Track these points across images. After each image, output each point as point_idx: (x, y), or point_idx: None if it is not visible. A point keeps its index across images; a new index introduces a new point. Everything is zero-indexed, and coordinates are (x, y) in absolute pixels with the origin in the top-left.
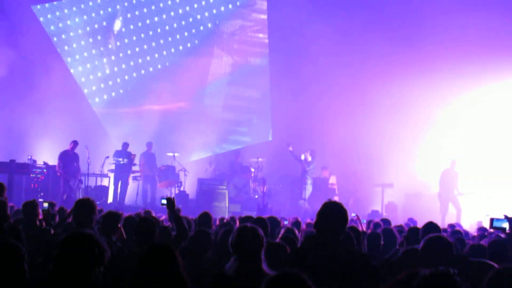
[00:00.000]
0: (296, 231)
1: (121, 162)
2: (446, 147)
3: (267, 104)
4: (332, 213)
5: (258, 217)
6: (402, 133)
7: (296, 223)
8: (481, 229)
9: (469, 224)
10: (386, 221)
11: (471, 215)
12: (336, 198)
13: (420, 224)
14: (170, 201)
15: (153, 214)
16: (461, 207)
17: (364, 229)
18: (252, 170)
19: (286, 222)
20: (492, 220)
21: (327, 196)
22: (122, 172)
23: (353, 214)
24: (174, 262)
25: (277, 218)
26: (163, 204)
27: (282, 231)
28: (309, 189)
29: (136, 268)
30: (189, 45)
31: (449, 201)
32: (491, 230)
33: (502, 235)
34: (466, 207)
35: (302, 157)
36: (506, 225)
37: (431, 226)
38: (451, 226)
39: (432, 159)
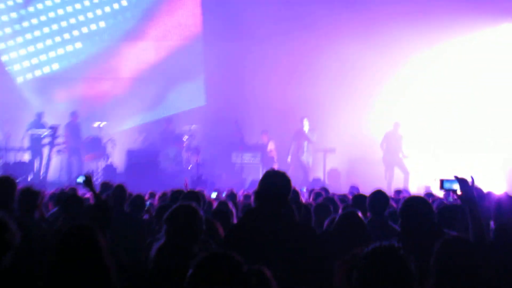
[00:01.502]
0: (231, 204)
1: (43, 135)
2: (392, 110)
3: (199, 66)
4: (275, 182)
5: (190, 191)
6: (346, 96)
7: (231, 196)
8: (428, 195)
9: (417, 188)
10: (326, 190)
11: (419, 179)
12: (275, 166)
13: (363, 191)
14: (87, 179)
15: (79, 192)
16: (409, 170)
17: (306, 198)
18: (185, 138)
19: (223, 195)
20: (442, 181)
21: (266, 164)
22: (42, 145)
23: None
24: (95, 245)
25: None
26: (78, 183)
27: (216, 203)
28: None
29: (54, 251)
30: (115, 6)
31: (394, 165)
32: (442, 191)
33: (450, 199)
34: (413, 171)
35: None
36: (456, 186)
37: (378, 196)
38: (398, 192)
39: (378, 122)
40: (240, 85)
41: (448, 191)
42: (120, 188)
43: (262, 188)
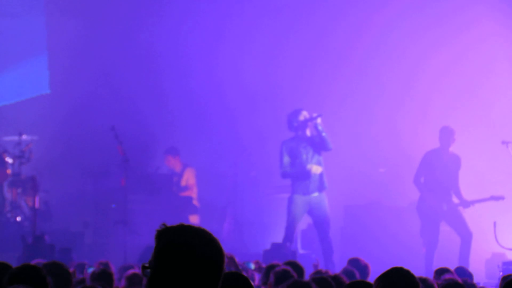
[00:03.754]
0: None
1: None
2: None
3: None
4: (188, 254)
5: (25, 266)
6: (339, 86)
7: (103, 276)
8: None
9: (485, 262)
10: (298, 268)
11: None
12: (194, 219)
13: (375, 270)
14: None
15: None
16: (471, 230)
17: (257, 283)
18: (9, 161)
19: (90, 270)
20: None
21: (178, 212)
22: None
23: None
24: None
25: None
26: None
27: None
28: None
29: None
30: None
31: (441, 218)
32: None
33: None
34: (481, 226)
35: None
36: None
37: (398, 281)
38: (441, 272)
39: (407, 132)
40: (123, 57)
41: None
42: None
43: (160, 266)
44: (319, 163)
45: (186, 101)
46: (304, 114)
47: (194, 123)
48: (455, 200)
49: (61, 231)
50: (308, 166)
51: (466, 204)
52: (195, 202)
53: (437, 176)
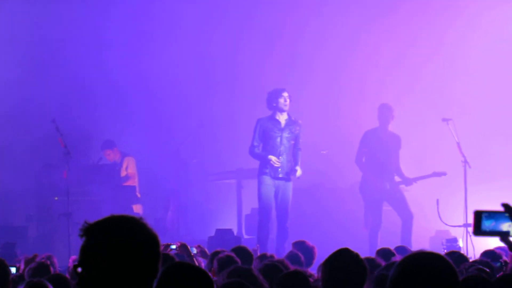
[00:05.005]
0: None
1: None
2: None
3: None
4: (116, 254)
5: None
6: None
7: (40, 271)
8: (452, 255)
9: (429, 240)
10: (244, 253)
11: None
12: (137, 209)
13: (322, 252)
14: None
15: None
16: (412, 212)
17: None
18: None
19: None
20: (478, 215)
21: (121, 202)
22: None
23: (173, 246)
24: None
25: None
26: None
27: None
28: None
29: None
30: None
31: (383, 199)
32: (477, 236)
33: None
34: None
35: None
36: (507, 226)
37: (343, 261)
38: (384, 253)
39: (349, 111)
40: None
41: (491, 235)
42: None
43: (89, 265)
44: (289, 150)
45: (138, 91)
46: (285, 96)
47: (136, 112)
48: (397, 179)
49: (3, 226)
50: (269, 157)
51: (409, 181)
52: (137, 191)
53: (378, 155)
